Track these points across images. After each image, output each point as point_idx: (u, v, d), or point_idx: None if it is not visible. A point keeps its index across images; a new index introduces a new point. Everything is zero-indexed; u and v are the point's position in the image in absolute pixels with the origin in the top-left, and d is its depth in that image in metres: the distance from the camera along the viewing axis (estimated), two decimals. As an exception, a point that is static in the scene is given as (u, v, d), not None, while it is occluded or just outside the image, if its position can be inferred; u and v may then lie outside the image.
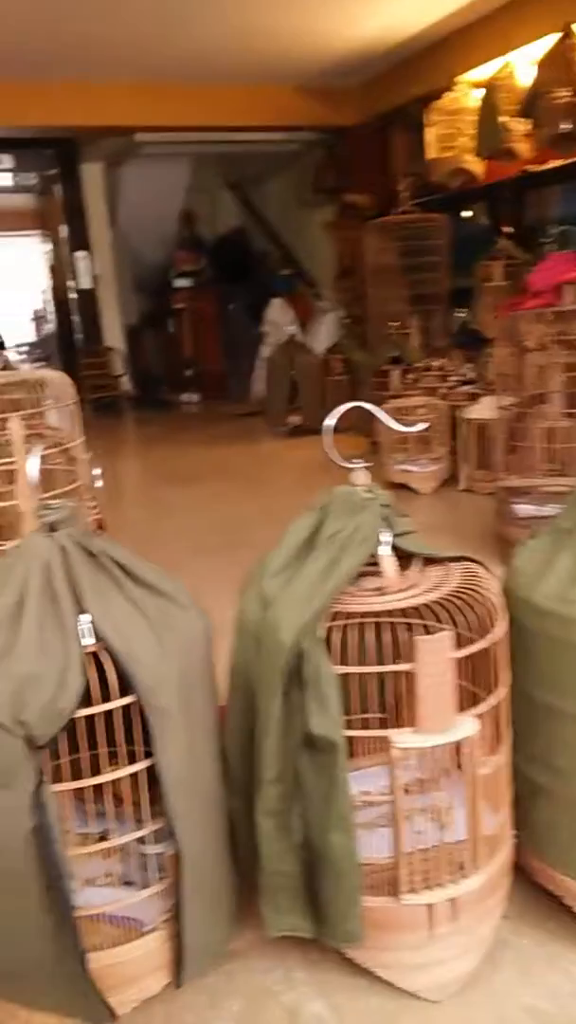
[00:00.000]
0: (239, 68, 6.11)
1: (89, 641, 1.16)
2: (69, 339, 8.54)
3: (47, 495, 2.19)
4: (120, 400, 7.79)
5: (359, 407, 1.46)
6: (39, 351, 10.50)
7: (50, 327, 10.24)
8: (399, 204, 5.47)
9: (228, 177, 8.75)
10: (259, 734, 1.22)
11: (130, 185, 7.50)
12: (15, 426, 2.08)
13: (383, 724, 1.39)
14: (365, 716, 1.35)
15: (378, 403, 1.60)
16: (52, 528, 1.26)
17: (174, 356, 8.26)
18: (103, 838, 1.30)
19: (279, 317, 7.06)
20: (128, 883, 1.26)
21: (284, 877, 1.23)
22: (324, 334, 6.80)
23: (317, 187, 7.22)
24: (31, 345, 10.75)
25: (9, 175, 8.71)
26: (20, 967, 1.13)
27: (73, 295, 8.04)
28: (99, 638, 1.16)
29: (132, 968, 1.19)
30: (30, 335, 10.99)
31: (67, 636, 1.15)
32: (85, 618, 1.17)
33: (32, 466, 1.26)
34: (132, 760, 1.18)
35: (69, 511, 1.27)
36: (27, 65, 5.72)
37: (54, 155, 7.41)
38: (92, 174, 7.56)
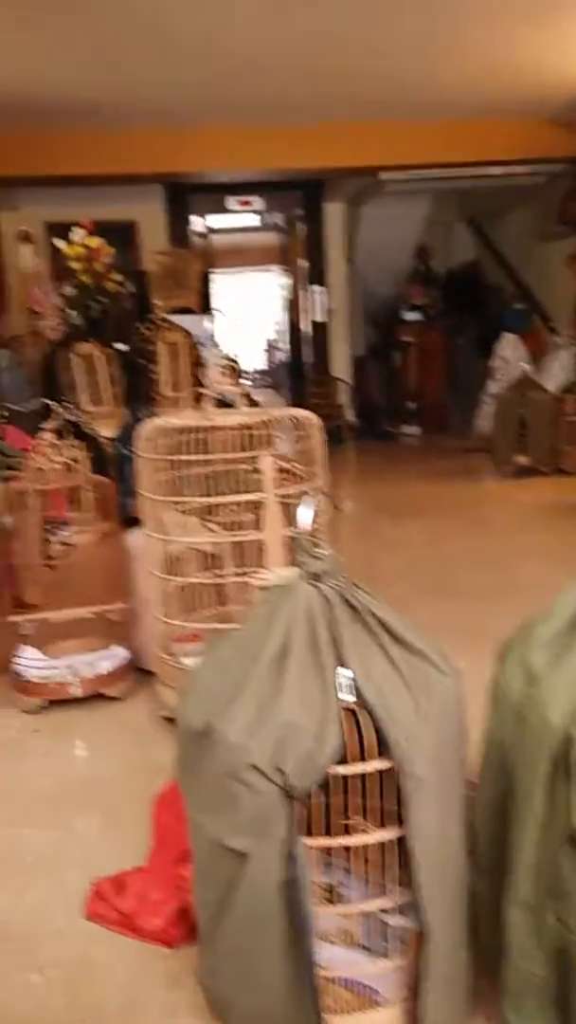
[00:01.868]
0: (487, 103, 6.04)
1: (348, 697, 1.16)
2: (299, 368, 8.88)
3: (293, 534, 2.25)
4: (343, 429, 7.95)
5: None
6: (269, 379, 11.05)
7: (280, 356, 10.74)
8: None
9: (466, 211, 8.68)
10: (516, 818, 1.15)
11: (369, 222, 7.67)
12: (267, 463, 2.16)
13: None
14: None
15: None
16: (316, 577, 1.27)
17: (398, 388, 8.29)
18: (339, 892, 1.28)
19: (511, 353, 6.84)
20: (363, 947, 1.24)
21: (533, 977, 1.14)
22: (559, 372, 6.48)
23: (562, 219, 6.93)
24: (262, 372, 11.35)
25: (256, 215, 9.26)
26: (259, 1013, 1.14)
27: (306, 327, 8.35)
28: (358, 695, 1.15)
29: (365, 1039, 1.16)
30: (261, 363, 11.63)
31: (327, 689, 1.16)
32: (346, 673, 1.17)
33: (305, 514, 1.28)
34: (382, 823, 1.16)
35: (334, 562, 1.29)
36: (280, 111, 6.05)
37: (301, 196, 7.78)
38: (334, 213, 7.83)
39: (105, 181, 6.45)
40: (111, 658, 2.58)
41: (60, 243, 5.13)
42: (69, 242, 5.08)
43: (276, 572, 2.18)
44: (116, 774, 2.13)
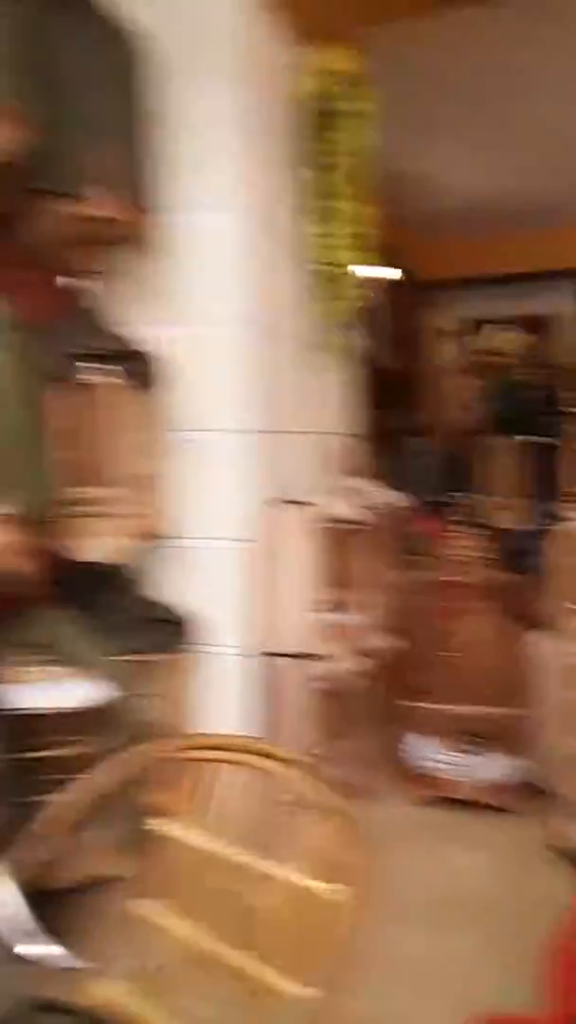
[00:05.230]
0: None
1: None
2: None
3: None
4: None
5: None
6: None
7: None
8: None
9: None
10: None
11: None
12: None
13: None
14: None
15: None
16: None
17: None
18: None
19: None
20: None
21: None
22: None
23: None
24: None
25: None
26: None
27: None
28: None
29: None
30: None
31: None
32: None
33: None
34: None
35: None
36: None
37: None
38: None
39: (523, 279, 6.59)
40: (504, 766, 2.48)
41: (479, 338, 5.32)
42: (487, 337, 5.25)
43: None
44: (495, 896, 2.01)
